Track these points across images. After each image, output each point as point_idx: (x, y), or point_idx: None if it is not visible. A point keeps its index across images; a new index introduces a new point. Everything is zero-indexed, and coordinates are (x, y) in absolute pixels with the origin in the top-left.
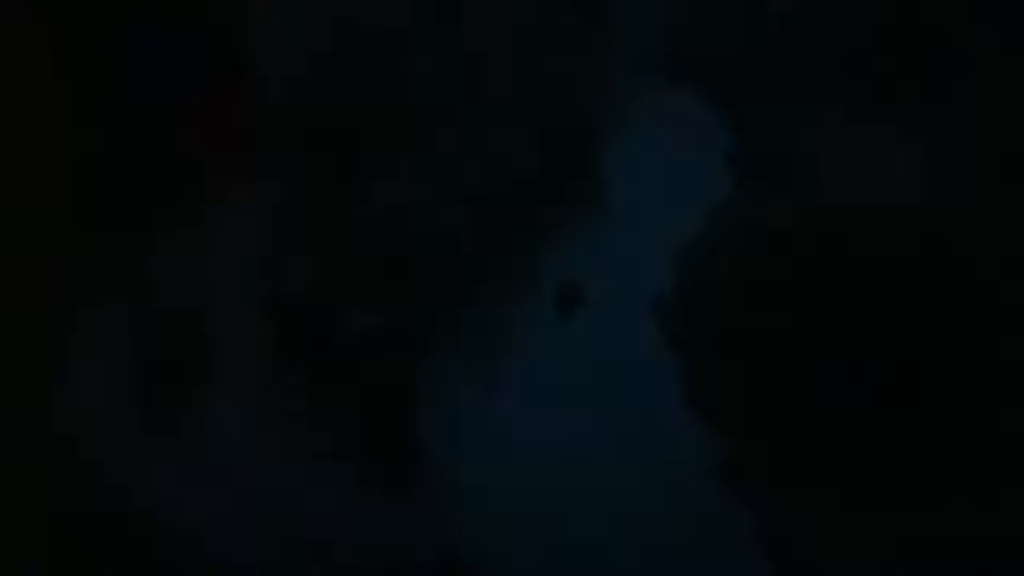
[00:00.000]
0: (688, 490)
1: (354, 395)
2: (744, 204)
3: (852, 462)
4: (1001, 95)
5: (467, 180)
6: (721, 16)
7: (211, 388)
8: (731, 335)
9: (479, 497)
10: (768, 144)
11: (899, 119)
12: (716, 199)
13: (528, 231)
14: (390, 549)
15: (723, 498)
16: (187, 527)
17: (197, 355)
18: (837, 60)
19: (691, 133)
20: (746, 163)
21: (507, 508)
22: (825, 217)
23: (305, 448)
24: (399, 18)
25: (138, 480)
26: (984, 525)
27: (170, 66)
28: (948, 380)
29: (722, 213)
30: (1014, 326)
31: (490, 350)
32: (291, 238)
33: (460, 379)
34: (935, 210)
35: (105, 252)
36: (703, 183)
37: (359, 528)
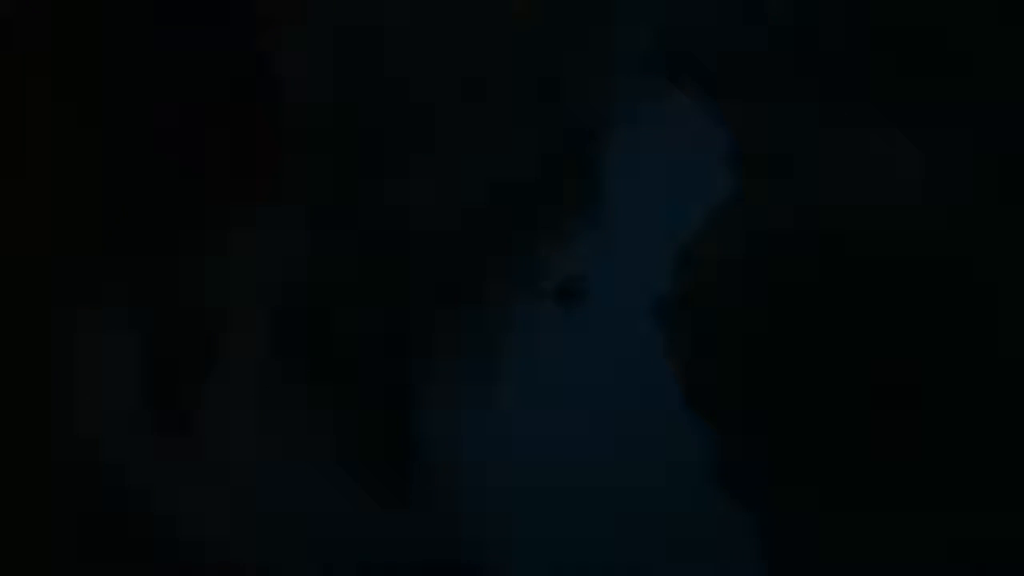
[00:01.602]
0: (688, 490)
1: (354, 395)
2: (744, 204)
3: (852, 462)
4: (1001, 95)
5: (467, 180)
6: (721, 16)
7: (211, 388)
8: (731, 335)
9: (479, 497)
10: (768, 144)
11: (899, 119)
12: (716, 199)
13: (528, 231)
14: (390, 549)
15: (723, 498)
16: (187, 527)
17: (197, 355)
18: (837, 60)
19: (691, 133)
20: (746, 163)
21: (507, 508)
22: (825, 217)
23: (305, 448)
24: (399, 18)
25: (138, 480)
26: (984, 525)
27: (184, 64)
28: (948, 380)
29: (722, 213)
30: (1014, 326)
31: (490, 350)
32: (292, 238)
33: (460, 379)
34: (935, 210)
35: (106, 253)
36: (703, 183)
37: (359, 528)
